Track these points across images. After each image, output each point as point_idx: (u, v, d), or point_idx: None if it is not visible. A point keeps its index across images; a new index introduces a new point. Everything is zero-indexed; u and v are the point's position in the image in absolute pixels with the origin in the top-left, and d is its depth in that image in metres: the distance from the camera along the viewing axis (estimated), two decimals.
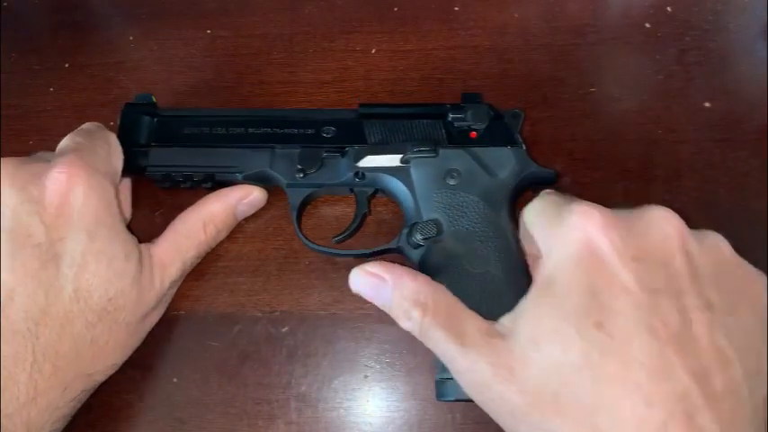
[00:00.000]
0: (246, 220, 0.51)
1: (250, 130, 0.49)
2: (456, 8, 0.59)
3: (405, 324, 0.38)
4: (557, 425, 0.32)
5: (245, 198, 0.49)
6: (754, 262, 0.48)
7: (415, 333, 0.38)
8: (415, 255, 0.45)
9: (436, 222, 0.45)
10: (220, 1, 0.61)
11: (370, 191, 0.49)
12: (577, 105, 0.54)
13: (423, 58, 0.57)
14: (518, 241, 0.44)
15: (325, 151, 0.48)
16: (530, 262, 0.43)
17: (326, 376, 0.46)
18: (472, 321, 0.37)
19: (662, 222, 0.35)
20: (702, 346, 0.32)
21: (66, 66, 0.58)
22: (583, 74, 0.56)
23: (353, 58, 0.57)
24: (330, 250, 0.48)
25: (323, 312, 0.48)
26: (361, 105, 0.51)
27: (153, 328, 0.46)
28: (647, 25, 0.57)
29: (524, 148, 0.48)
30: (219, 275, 0.49)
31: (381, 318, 0.47)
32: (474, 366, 0.35)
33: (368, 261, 0.40)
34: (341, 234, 0.49)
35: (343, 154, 0.48)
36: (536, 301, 0.36)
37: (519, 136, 0.48)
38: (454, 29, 0.58)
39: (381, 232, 0.50)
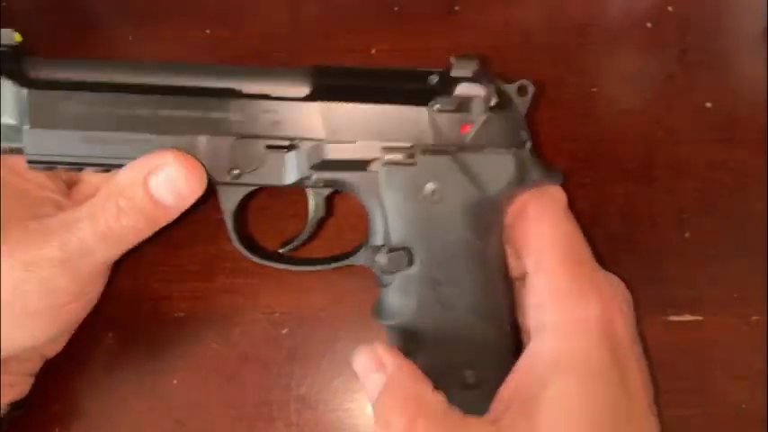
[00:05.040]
0: (246, 220, 0.50)
1: (162, 112, 0.37)
2: (456, 8, 0.58)
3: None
4: None
5: (154, 171, 0.36)
6: (755, 262, 0.49)
7: None
8: (380, 278, 0.39)
9: (407, 251, 0.37)
10: (220, 1, 0.60)
11: (326, 192, 0.41)
12: (578, 105, 0.54)
13: (423, 58, 0.56)
14: (505, 271, 0.39)
15: (267, 146, 0.38)
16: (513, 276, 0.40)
17: (326, 378, 0.46)
18: None
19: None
20: None
21: None
22: (584, 74, 0.55)
23: (353, 57, 0.57)
24: (278, 264, 0.41)
25: (323, 313, 0.48)
26: (318, 71, 0.39)
27: (152, 328, 0.46)
28: (649, 25, 0.57)
29: (529, 146, 0.39)
30: (219, 276, 0.49)
31: None
32: None
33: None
34: (288, 243, 0.42)
35: (291, 148, 0.38)
36: (561, 389, 0.34)
37: (525, 131, 0.39)
38: (454, 29, 0.58)
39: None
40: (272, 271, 0.49)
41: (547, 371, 0.35)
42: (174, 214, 0.38)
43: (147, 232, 0.38)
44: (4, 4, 0.62)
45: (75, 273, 0.37)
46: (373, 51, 0.57)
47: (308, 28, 0.58)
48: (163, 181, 0.36)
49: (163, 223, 0.38)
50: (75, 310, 0.40)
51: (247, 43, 0.58)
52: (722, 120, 0.53)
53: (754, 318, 0.48)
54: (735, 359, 0.46)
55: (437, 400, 0.34)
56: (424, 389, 0.35)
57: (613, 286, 0.38)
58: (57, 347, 0.44)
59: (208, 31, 0.59)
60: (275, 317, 0.48)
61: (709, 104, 0.54)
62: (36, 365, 0.43)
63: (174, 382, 0.46)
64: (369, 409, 0.45)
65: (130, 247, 0.39)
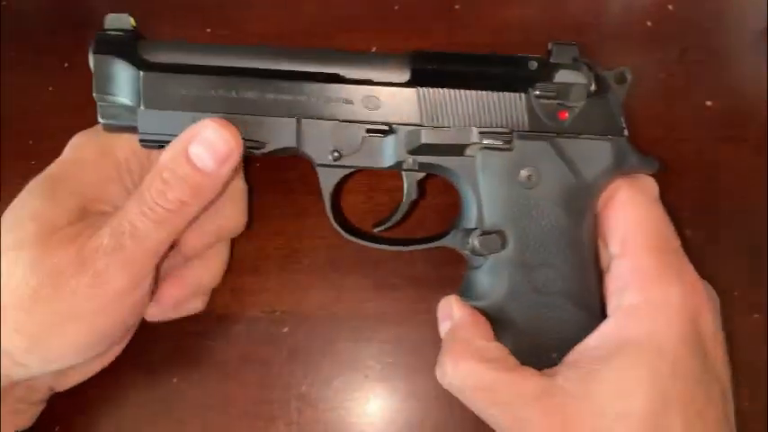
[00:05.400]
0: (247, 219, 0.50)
1: (269, 95, 0.39)
2: (456, 6, 0.58)
3: (438, 371, 0.36)
4: None
5: (193, 139, 0.37)
6: (755, 260, 0.49)
7: (445, 383, 0.36)
8: (470, 260, 0.40)
9: (501, 234, 0.38)
10: (220, 0, 0.60)
11: (420, 175, 0.42)
12: None
13: None
14: (597, 257, 0.39)
15: (367, 130, 0.39)
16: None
17: (327, 376, 0.46)
18: (532, 380, 0.34)
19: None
20: None
21: (66, 65, 0.58)
22: None
23: None
24: (370, 243, 0.42)
25: (323, 312, 0.48)
26: (417, 56, 0.40)
27: (152, 326, 0.46)
28: (649, 24, 0.57)
29: (626, 133, 0.39)
30: None
31: (382, 317, 0.47)
32: (527, 420, 0.33)
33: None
34: (383, 222, 0.43)
35: (390, 133, 0.39)
36: (625, 365, 0.34)
37: (622, 118, 0.39)
38: (454, 27, 0.58)
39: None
40: (272, 269, 0.49)
41: (615, 347, 0.34)
42: (216, 182, 0.38)
43: (193, 207, 0.38)
44: (3, 3, 0.62)
45: (126, 263, 0.37)
46: (373, 50, 0.57)
47: (308, 27, 0.58)
48: (201, 146, 0.37)
49: (208, 195, 0.38)
50: (121, 315, 0.39)
51: (247, 41, 0.58)
52: (722, 118, 0.53)
53: (754, 316, 0.48)
54: (735, 358, 0.46)
55: (489, 346, 0.36)
56: (479, 336, 0.36)
57: (703, 284, 0.37)
58: (71, 380, 0.43)
59: (208, 30, 0.59)
60: (276, 315, 0.48)
61: (709, 103, 0.54)
62: (43, 395, 0.43)
63: (174, 380, 0.46)
64: (368, 408, 0.46)
65: (179, 229, 0.38)
